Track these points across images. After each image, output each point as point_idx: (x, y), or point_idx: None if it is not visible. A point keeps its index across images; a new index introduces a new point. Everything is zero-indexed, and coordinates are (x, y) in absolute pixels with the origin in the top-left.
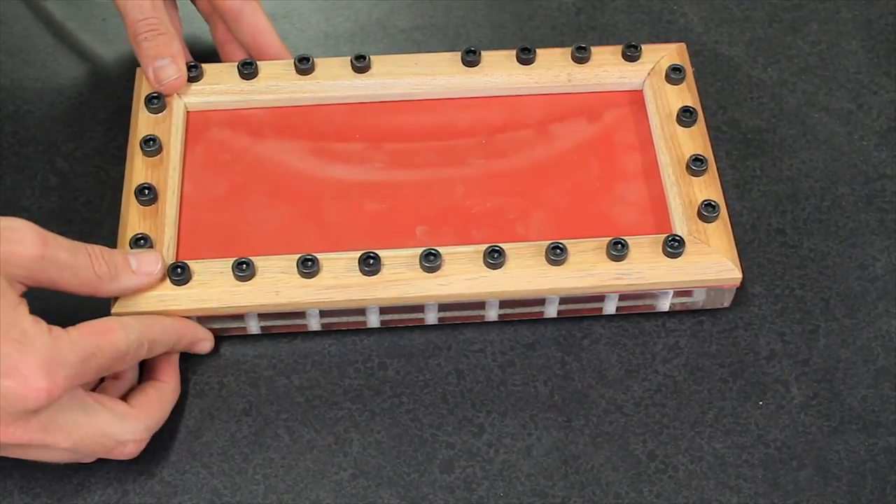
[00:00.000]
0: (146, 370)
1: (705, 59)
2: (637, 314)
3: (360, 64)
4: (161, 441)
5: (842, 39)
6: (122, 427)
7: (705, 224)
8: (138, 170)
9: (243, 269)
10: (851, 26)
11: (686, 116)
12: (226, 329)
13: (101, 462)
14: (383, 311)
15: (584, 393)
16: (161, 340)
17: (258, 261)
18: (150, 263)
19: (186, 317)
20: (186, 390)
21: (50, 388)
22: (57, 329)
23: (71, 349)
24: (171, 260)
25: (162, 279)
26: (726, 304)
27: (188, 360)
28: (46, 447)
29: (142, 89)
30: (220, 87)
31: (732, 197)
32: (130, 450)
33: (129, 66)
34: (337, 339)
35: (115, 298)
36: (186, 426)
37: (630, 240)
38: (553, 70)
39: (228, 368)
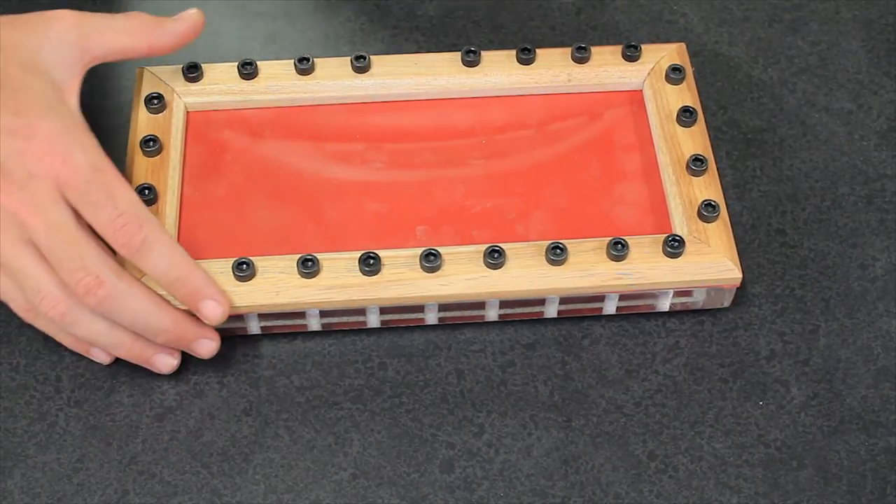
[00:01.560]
0: None
1: (705, 59)
2: (637, 314)
3: (360, 64)
4: (161, 441)
5: (842, 39)
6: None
7: (705, 224)
8: (138, 170)
9: (243, 270)
10: (851, 26)
11: (686, 116)
12: (226, 329)
13: (101, 462)
14: (383, 311)
15: (584, 393)
16: (159, 248)
17: (258, 261)
18: (187, 16)
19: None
20: (186, 390)
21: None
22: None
23: (91, 146)
24: None
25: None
26: (726, 304)
27: (188, 360)
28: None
29: (142, 89)
30: (219, 87)
31: (732, 197)
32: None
33: (129, 66)
34: (337, 339)
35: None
36: (186, 426)
37: (630, 240)
38: (553, 70)
39: (228, 368)
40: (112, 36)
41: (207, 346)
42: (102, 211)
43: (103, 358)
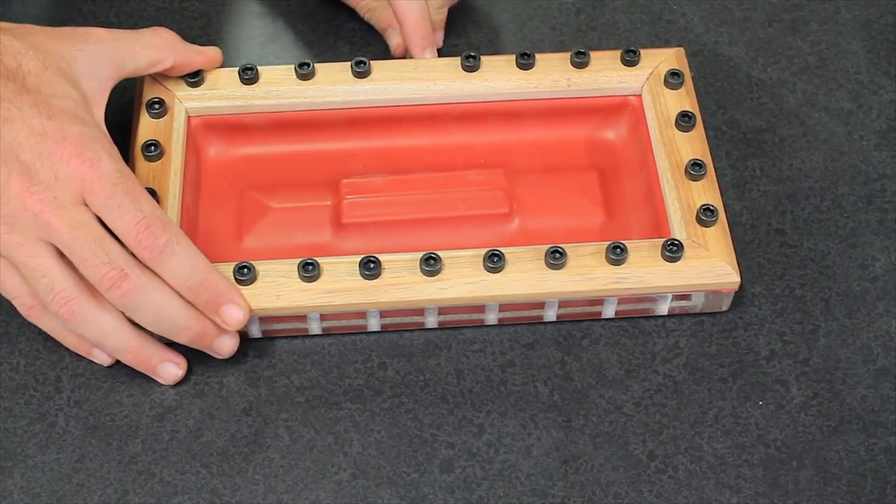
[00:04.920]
0: None
1: (705, 60)
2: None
3: (361, 69)
4: (161, 441)
5: (842, 39)
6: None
7: (704, 228)
8: (139, 174)
9: (244, 274)
10: (851, 26)
11: (685, 121)
12: None
13: (101, 462)
14: (384, 314)
15: (584, 393)
16: (182, 252)
17: (259, 265)
18: (210, 47)
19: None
20: (186, 390)
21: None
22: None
23: (116, 156)
24: None
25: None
26: (725, 307)
27: (189, 359)
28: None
29: (143, 94)
30: (220, 92)
31: (732, 197)
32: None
33: None
34: (337, 339)
35: None
36: (186, 426)
37: (629, 244)
38: (552, 75)
39: (228, 368)
40: (141, 51)
41: (228, 345)
42: (127, 214)
43: (104, 359)
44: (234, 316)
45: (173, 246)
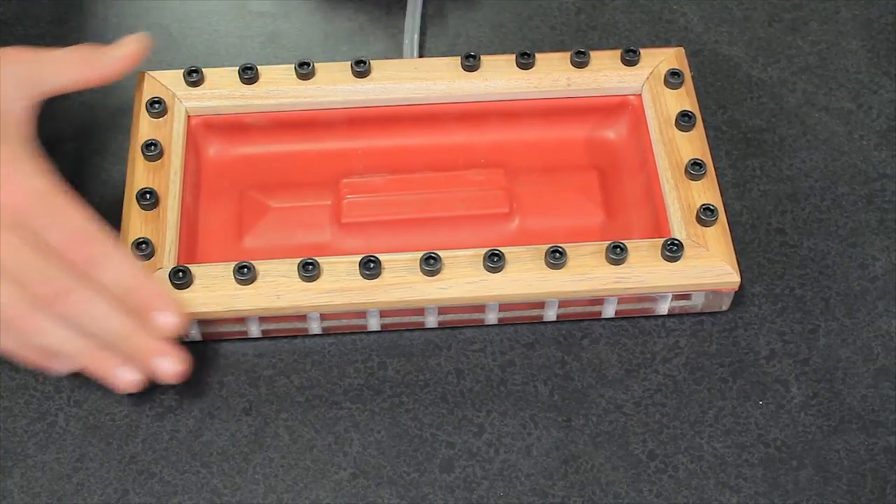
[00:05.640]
0: None
1: (705, 59)
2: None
3: (361, 69)
4: (161, 441)
5: (842, 39)
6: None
7: (704, 228)
8: (140, 174)
9: (244, 273)
10: (851, 26)
11: (685, 121)
12: (227, 333)
13: (101, 461)
14: (384, 314)
15: (584, 393)
16: (110, 261)
17: (259, 265)
18: (130, 41)
19: (187, 321)
20: (186, 390)
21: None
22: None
23: (41, 173)
24: (172, 264)
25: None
26: (725, 307)
27: (188, 362)
28: None
29: (143, 93)
30: (220, 91)
31: (732, 196)
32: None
33: None
34: (337, 339)
35: None
36: (186, 426)
37: (629, 244)
38: (552, 75)
39: (228, 368)
40: (61, 69)
41: (167, 367)
42: (55, 232)
43: (62, 368)
44: (165, 321)
45: (102, 257)
